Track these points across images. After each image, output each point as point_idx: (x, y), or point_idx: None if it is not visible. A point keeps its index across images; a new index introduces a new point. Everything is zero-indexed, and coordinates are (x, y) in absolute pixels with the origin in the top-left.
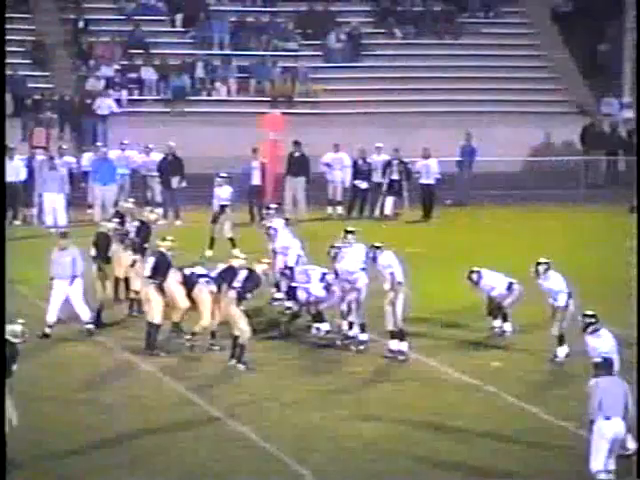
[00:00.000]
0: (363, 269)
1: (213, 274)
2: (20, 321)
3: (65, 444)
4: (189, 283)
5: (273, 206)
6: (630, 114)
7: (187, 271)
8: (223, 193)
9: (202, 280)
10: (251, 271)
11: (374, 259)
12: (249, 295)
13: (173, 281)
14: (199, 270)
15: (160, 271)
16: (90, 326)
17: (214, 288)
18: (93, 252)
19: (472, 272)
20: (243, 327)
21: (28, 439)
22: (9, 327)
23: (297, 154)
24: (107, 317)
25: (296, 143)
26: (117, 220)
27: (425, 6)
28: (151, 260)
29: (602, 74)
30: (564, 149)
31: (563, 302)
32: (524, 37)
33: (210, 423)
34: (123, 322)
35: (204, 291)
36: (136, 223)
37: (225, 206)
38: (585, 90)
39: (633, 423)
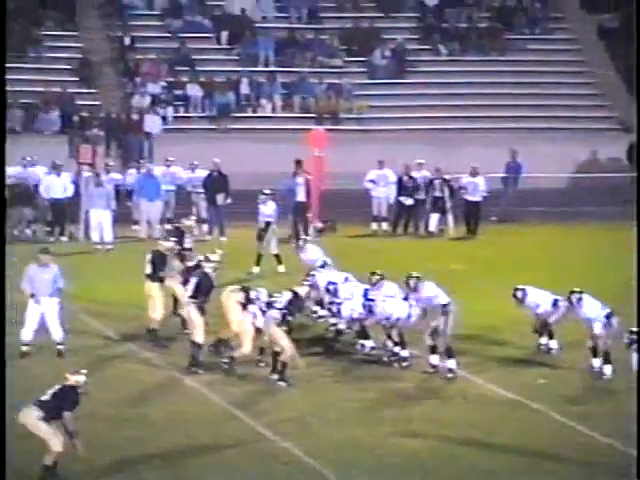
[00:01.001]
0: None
1: (279, 304)
2: (83, 371)
3: (112, 460)
4: (247, 305)
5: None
6: None
7: (252, 293)
8: (267, 210)
9: (251, 307)
10: (296, 294)
11: (415, 289)
12: (291, 318)
13: (233, 300)
14: (262, 294)
15: (202, 291)
16: (61, 347)
17: (277, 315)
18: (149, 270)
19: (517, 289)
20: (285, 344)
21: (76, 456)
22: (74, 377)
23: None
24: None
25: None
26: (174, 239)
27: (470, 22)
28: (194, 280)
29: None
30: (610, 166)
31: (599, 330)
32: (570, 53)
33: (254, 439)
34: (174, 339)
35: (247, 320)
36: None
37: (269, 223)
38: (631, 107)
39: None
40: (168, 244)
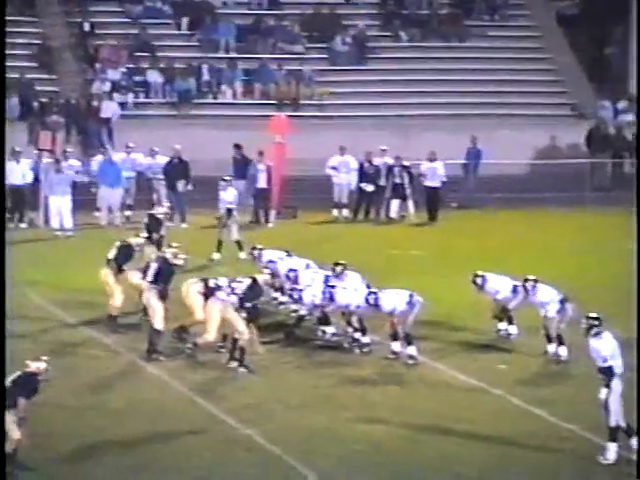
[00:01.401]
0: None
1: (238, 290)
2: (44, 358)
3: (73, 448)
4: (209, 295)
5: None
6: (628, 118)
7: (211, 282)
8: (228, 196)
9: (219, 294)
10: (255, 281)
11: (376, 301)
12: (248, 304)
13: (194, 290)
14: (222, 282)
15: (162, 277)
16: None
17: (234, 300)
18: (111, 256)
19: (477, 276)
20: (242, 329)
21: (37, 443)
22: (34, 364)
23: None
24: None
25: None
26: (145, 235)
27: (431, 9)
28: (154, 266)
29: (607, 77)
30: (570, 152)
31: (552, 314)
32: (530, 40)
33: (216, 426)
34: (137, 325)
35: (215, 307)
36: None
37: (230, 209)
38: (590, 93)
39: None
40: (138, 240)
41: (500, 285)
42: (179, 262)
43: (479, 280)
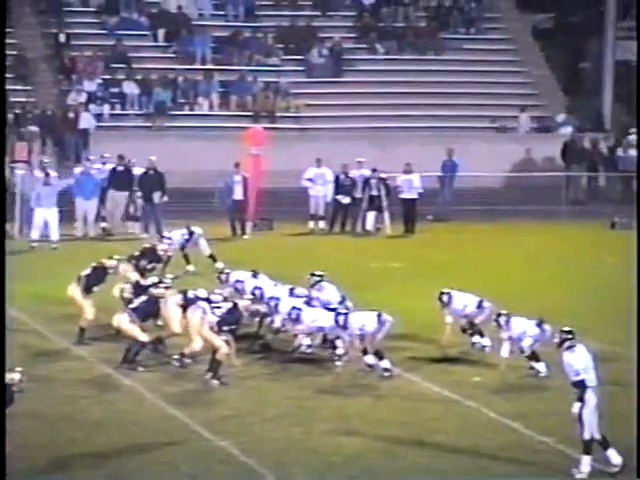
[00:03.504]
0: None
1: (219, 304)
2: (18, 369)
3: (47, 460)
4: (187, 306)
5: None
6: (567, 130)
7: (190, 294)
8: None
9: (200, 303)
10: (235, 305)
11: (345, 322)
12: (225, 328)
13: (172, 302)
14: (201, 293)
15: (141, 313)
16: None
17: (213, 320)
18: (83, 279)
19: (442, 293)
20: (218, 343)
21: (10, 454)
22: (9, 375)
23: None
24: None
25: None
26: (134, 262)
27: (407, 22)
28: (141, 299)
29: (582, 91)
30: (545, 165)
31: (528, 346)
32: (505, 53)
33: (191, 438)
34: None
35: (196, 315)
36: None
37: (192, 232)
38: (565, 107)
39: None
40: (112, 262)
41: (466, 301)
42: (159, 292)
43: (445, 297)
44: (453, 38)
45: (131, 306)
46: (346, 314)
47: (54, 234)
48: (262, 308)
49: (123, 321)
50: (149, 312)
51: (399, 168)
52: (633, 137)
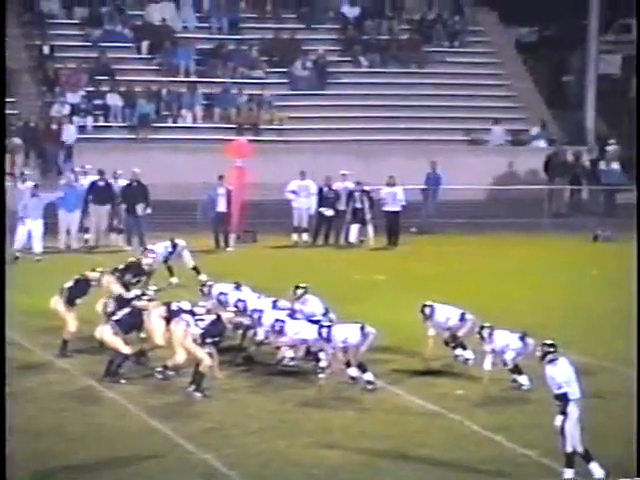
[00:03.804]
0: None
1: (202, 317)
2: None
3: (29, 473)
4: (171, 318)
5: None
6: (540, 144)
7: (173, 306)
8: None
9: (184, 316)
10: (218, 317)
11: (328, 335)
12: (209, 340)
13: (155, 315)
14: (185, 305)
15: (124, 325)
16: None
17: (196, 332)
18: (65, 292)
19: (425, 306)
20: (201, 356)
21: None
22: None
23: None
24: (71, 345)
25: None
26: (118, 275)
27: (390, 34)
28: (123, 312)
29: (565, 104)
30: (528, 178)
31: (510, 359)
32: (489, 66)
33: (173, 451)
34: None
35: (180, 327)
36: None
37: (176, 244)
38: (549, 120)
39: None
40: (95, 274)
41: (448, 313)
42: (143, 304)
43: (427, 310)
44: (437, 51)
45: (114, 318)
46: (329, 327)
47: (37, 246)
48: (245, 320)
49: (106, 333)
50: (132, 324)
51: (383, 181)
52: (612, 148)
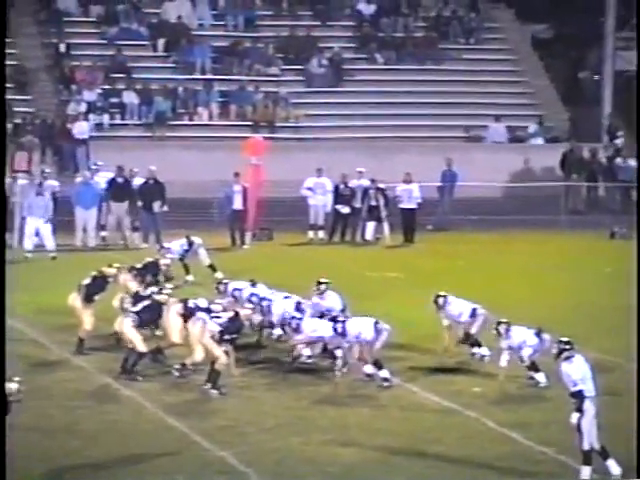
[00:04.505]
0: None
1: (219, 314)
2: (16, 379)
3: (44, 471)
4: (188, 316)
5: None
6: (538, 141)
7: (190, 303)
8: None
9: (200, 314)
10: (236, 314)
11: (343, 330)
12: (227, 337)
13: (172, 312)
14: (201, 303)
15: (145, 317)
16: None
17: (214, 329)
18: (83, 288)
19: (439, 296)
20: (218, 353)
21: (7, 466)
22: (6, 384)
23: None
24: (87, 343)
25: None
26: (136, 273)
27: (406, 32)
28: (143, 303)
29: (582, 101)
30: (544, 175)
31: (527, 356)
32: (505, 63)
33: (189, 448)
34: (109, 348)
35: (197, 325)
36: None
37: (192, 241)
38: (564, 116)
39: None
40: (111, 270)
41: (461, 308)
42: (162, 298)
43: (440, 300)
44: (452, 48)
45: (134, 309)
46: (344, 321)
47: (49, 243)
48: (259, 316)
49: (126, 325)
50: (151, 317)
51: (398, 178)
52: (619, 141)
